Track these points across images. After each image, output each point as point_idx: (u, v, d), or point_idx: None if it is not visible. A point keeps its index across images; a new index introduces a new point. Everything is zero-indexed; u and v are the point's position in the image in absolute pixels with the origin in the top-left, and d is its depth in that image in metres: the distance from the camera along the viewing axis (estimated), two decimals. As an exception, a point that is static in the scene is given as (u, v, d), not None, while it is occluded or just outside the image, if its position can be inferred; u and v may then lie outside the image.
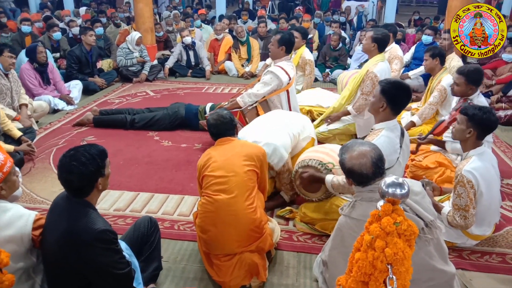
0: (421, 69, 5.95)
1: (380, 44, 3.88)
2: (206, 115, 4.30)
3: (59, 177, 1.77)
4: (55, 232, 1.76)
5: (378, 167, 1.90)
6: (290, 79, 3.86)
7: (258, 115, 3.82)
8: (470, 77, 3.24)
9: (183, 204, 3.19)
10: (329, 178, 2.57)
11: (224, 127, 2.47)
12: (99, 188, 1.82)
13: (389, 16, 11.45)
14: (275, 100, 3.93)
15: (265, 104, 3.95)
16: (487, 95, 5.80)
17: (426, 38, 6.31)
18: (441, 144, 3.38)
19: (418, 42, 6.89)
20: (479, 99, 3.32)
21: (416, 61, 6.49)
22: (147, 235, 2.20)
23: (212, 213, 2.30)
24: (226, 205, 2.27)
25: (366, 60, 4.36)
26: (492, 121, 2.49)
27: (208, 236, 2.34)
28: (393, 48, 5.57)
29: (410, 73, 6.15)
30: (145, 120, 4.69)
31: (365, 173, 1.90)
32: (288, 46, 3.87)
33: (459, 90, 3.33)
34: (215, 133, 2.50)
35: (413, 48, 6.82)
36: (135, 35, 6.86)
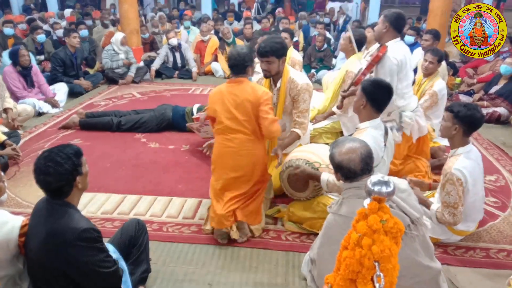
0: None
1: (357, 43, 4.02)
2: (193, 116, 4.28)
3: (36, 181, 1.76)
4: (38, 236, 1.75)
5: (366, 163, 1.93)
6: None
7: None
8: (388, 14, 3.19)
9: (171, 206, 3.18)
10: (325, 176, 2.59)
11: (235, 62, 2.73)
12: (78, 187, 1.82)
13: (373, 17, 11.56)
14: None
15: None
16: (469, 93, 5.92)
17: (408, 38, 6.41)
18: None
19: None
20: (397, 47, 3.17)
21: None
22: (135, 238, 2.19)
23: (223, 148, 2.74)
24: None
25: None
26: (477, 118, 2.53)
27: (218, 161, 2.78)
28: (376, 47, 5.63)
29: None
30: (131, 122, 4.66)
31: (353, 169, 1.92)
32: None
33: (376, 29, 3.26)
34: (229, 66, 2.81)
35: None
36: (118, 35, 6.82)
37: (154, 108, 4.86)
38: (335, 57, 7.67)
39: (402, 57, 3.14)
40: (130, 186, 3.47)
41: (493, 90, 5.37)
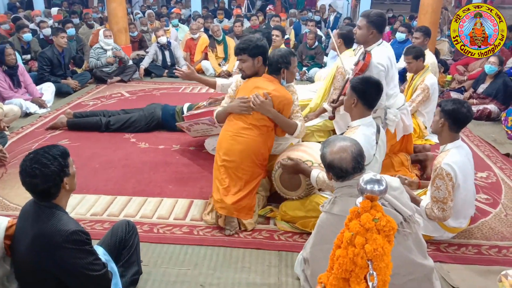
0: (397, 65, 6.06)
1: (346, 40, 4.02)
2: (183, 115, 4.24)
3: (22, 183, 1.73)
4: (25, 239, 1.72)
5: (358, 162, 1.92)
6: None
7: None
8: (371, 19, 3.12)
9: (162, 207, 3.14)
10: (315, 173, 2.58)
11: (269, 62, 2.93)
12: (66, 188, 1.79)
13: (364, 14, 11.60)
14: None
15: None
16: (459, 90, 5.95)
17: (400, 36, 6.43)
18: None
19: (392, 40, 7.02)
20: (380, 51, 3.13)
21: (391, 58, 6.59)
22: (125, 239, 2.16)
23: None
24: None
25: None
26: (461, 112, 2.53)
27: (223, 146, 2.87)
28: None
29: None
30: (120, 122, 4.60)
31: (345, 168, 1.91)
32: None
33: (361, 34, 3.18)
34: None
35: (387, 46, 6.93)
36: (102, 31, 6.78)
37: (144, 108, 4.80)
38: (327, 54, 7.67)
39: (387, 61, 3.12)
40: (120, 187, 3.43)
41: (480, 89, 5.41)
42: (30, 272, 1.75)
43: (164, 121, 4.60)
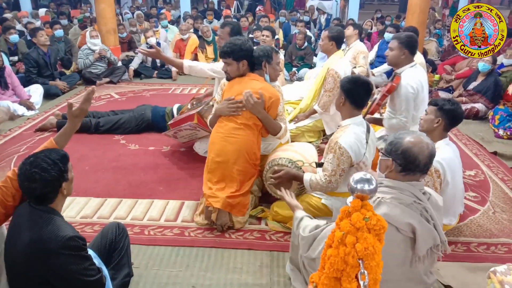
0: (384, 67, 6.11)
1: (337, 41, 4.04)
2: (168, 123, 4.14)
3: (20, 186, 1.71)
4: (19, 243, 1.69)
5: (430, 161, 1.86)
6: None
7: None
8: (403, 40, 3.17)
9: (153, 208, 3.12)
10: (307, 176, 2.58)
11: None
12: (63, 193, 1.77)
13: (353, 15, 11.67)
14: None
15: None
16: (447, 90, 6.03)
17: (388, 36, 6.48)
18: (379, 122, 3.46)
19: (381, 40, 7.07)
20: (412, 73, 3.17)
21: (379, 59, 6.65)
22: (115, 242, 2.15)
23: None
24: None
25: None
26: (459, 113, 2.60)
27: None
28: (357, 44, 5.70)
29: (374, 70, 6.30)
30: (110, 124, 4.56)
31: (419, 160, 1.82)
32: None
33: (393, 55, 3.23)
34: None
35: (376, 46, 6.99)
36: (88, 32, 6.75)
37: (133, 109, 4.77)
38: (316, 55, 7.71)
39: (417, 83, 3.15)
40: (110, 189, 3.40)
41: (471, 86, 5.48)
42: (23, 277, 1.72)
43: (154, 122, 4.57)
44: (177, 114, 4.26)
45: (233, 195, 2.79)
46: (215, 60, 7.55)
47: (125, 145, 4.32)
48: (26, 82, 5.74)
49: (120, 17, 10.33)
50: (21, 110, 5.14)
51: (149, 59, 7.31)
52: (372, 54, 6.80)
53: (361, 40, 6.51)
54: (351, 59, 5.57)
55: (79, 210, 3.08)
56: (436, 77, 6.40)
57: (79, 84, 6.63)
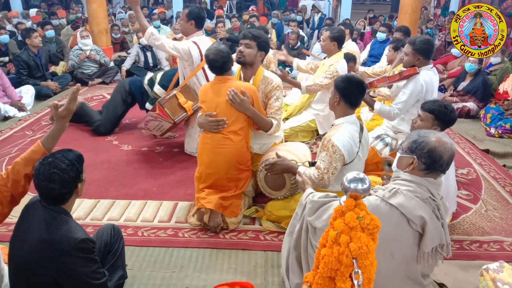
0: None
1: (339, 42, 4.03)
2: (150, 109, 4.02)
3: (36, 186, 1.71)
4: (29, 242, 1.69)
5: (451, 161, 1.90)
6: (202, 56, 3.56)
7: (179, 104, 3.67)
8: (417, 46, 3.21)
9: (146, 210, 3.11)
10: (301, 169, 2.58)
11: (222, 60, 2.77)
12: (77, 194, 1.80)
13: (345, 15, 11.72)
14: (196, 81, 3.77)
15: (187, 90, 3.77)
16: (439, 89, 6.06)
17: (380, 35, 6.51)
18: (371, 104, 3.45)
19: (373, 40, 7.11)
20: (428, 74, 3.25)
21: (372, 58, 6.68)
22: (110, 244, 2.14)
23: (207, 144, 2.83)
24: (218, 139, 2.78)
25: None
26: (454, 118, 2.63)
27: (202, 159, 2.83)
28: (349, 44, 5.71)
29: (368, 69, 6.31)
30: (104, 110, 4.60)
31: (443, 160, 1.86)
32: (198, 20, 3.65)
33: (407, 61, 3.29)
34: (215, 67, 2.82)
35: (368, 46, 7.03)
36: (79, 32, 6.74)
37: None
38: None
39: (429, 83, 3.20)
40: (103, 190, 3.38)
41: (460, 86, 5.52)
42: (30, 275, 1.71)
43: (133, 93, 4.52)
44: (148, 86, 4.28)
45: (226, 196, 2.79)
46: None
47: (117, 146, 4.29)
48: (17, 83, 5.69)
49: (112, 17, 10.27)
50: (12, 111, 5.09)
51: (142, 59, 7.27)
52: (364, 54, 6.82)
53: (354, 40, 6.54)
54: None
55: (72, 212, 3.04)
56: (428, 76, 6.43)
57: (71, 85, 6.57)
